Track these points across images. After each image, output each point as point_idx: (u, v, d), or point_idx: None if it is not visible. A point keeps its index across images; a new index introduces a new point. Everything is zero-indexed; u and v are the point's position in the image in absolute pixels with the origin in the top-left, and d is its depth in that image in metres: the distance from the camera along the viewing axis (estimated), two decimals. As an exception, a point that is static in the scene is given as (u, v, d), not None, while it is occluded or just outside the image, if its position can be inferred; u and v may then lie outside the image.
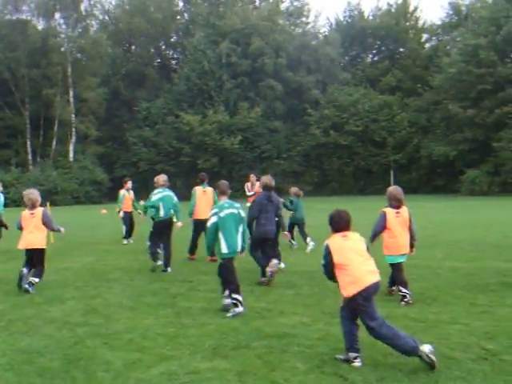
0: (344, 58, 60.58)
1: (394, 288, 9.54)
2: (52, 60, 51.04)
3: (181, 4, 64.22)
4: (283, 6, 61.63)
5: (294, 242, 16.04)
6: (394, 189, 9.78)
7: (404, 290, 8.99)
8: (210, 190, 14.22)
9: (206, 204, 13.55)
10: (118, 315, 8.27)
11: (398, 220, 9.37)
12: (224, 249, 8.48)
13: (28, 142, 52.61)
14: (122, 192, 18.35)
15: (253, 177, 18.03)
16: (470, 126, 48.54)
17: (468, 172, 47.43)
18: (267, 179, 11.37)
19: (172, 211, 12.60)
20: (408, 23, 61.66)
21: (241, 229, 8.71)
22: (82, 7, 54.43)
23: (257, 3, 62.96)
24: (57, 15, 53.66)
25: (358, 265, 6.27)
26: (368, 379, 5.62)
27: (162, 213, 12.43)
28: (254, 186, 17.55)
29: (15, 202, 45.42)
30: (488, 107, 47.62)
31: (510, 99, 46.72)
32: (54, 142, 52.64)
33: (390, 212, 9.40)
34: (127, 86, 59.55)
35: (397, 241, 9.35)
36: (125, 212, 17.76)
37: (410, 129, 53.23)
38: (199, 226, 13.63)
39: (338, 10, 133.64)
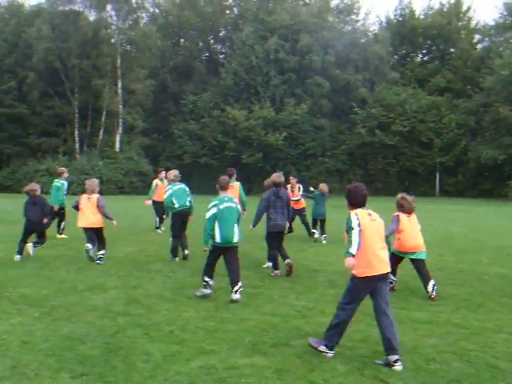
0: (393, 56, 59.81)
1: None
2: (102, 51, 51.65)
3: (231, -2, 64.41)
4: (333, 3, 61.11)
5: (317, 235, 16.76)
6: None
7: (392, 277, 9.76)
8: (236, 184, 14.78)
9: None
10: (158, 306, 8.32)
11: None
12: (218, 238, 9.16)
13: (76, 132, 53.39)
14: (155, 182, 18.69)
15: (293, 179, 17.54)
16: (521, 130, 47.46)
17: (517, 177, 46.43)
18: (275, 176, 11.80)
19: (188, 202, 13.21)
20: (460, 23, 60.52)
21: (237, 222, 9.37)
22: (133, 0, 54.95)
23: (307, 0, 62.63)
24: (108, 7, 54.19)
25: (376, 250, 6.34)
26: (409, 384, 5.54)
27: (176, 205, 12.97)
28: (293, 189, 17.25)
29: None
30: (540, 111, 46.47)
31: None
32: (101, 132, 53.32)
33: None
34: (175, 79, 59.95)
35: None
36: (157, 202, 17.86)
37: (458, 131, 52.25)
38: None
39: (389, 8, 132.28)
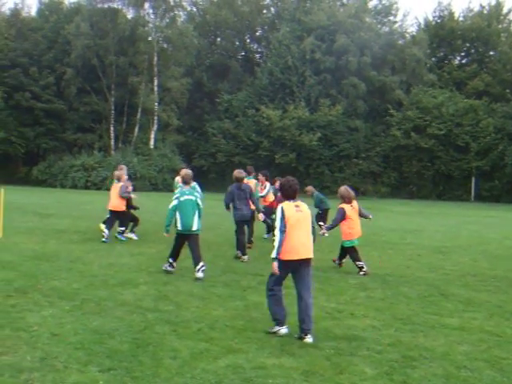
0: (430, 59, 59.10)
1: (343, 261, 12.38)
2: (139, 49, 52.06)
3: (268, -2, 64.36)
4: (371, 4, 60.63)
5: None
6: (344, 189, 12.30)
7: (360, 263, 11.67)
8: (253, 181, 15.98)
9: None
10: (187, 304, 8.33)
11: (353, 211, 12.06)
12: (179, 226, 10.65)
13: (111, 128, 53.93)
14: (177, 179, 18.73)
15: (261, 177, 17.46)
16: (560, 135, 46.57)
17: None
18: (237, 172, 13.45)
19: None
20: (500, 26, 59.63)
21: (197, 213, 10.76)
22: (171, -2, 55.30)
23: (344, 0, 62.28)
24: (146, 5, 54.56)
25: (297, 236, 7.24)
26: (439, 391, 5.45)
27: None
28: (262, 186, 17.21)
29: (96, 185, 46.86)
30: None
31: None
32: (137, 129, 53.75)
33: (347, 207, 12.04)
34: (210, 78, 60.16)
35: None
36: None
37: (495, 135, 51.43)
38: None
39: (427, 10, 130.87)
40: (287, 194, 7.42)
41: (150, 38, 53.32)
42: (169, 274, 10.53)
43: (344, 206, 12.09)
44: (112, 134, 53.92)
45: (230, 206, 13.40)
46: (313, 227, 7.62)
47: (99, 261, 11.65)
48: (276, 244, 7.05)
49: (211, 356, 6.10)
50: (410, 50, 54.67)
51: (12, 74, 52.27)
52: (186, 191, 10.86)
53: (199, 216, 10.83)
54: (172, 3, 55.24)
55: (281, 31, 55.99)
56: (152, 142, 53.28)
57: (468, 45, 60.17)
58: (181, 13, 59.31)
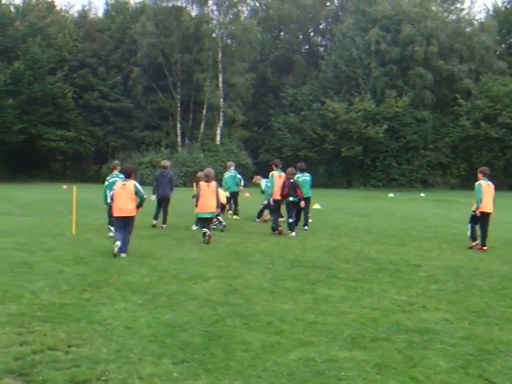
0: (500, 46, 57.47)
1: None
2: (204, 46, 52.58)
3: (332, -11, 63.87)
4: (437, -8, 59.56)
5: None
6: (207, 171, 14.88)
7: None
8: (283, 174, 16.40)
9: (279, 187, 16.11)
10: (257, 297, 8.36)
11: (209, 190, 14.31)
12: (109, 199, 13.14)
13: (178, 125, 54.67)
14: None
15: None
16: None
17: None
18: (162, 162, 18.17)
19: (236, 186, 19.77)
20: None
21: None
22: (234, -6, 55.55)
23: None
24: (210, 2, 55.08)
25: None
26: (517, 385, 5.30)
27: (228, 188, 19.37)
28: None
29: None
30: None
31: None
32: (202, 126, 54.32)
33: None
34: (275, 72, 60.20)
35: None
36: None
37: None
38: (275, 204, 16.26)
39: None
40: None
41: (214, 35, 53.74)
42: (238, 268, 10.58)
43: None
44: (178, 131, 54.66)
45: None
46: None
47: (169, 255, 11.82)
48: None
49: (282, 349, 6.11)
50: (478, 38, 53.29)
51: (81, 75, 53.66)
52: (114, 175, 14.96)
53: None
54: (235, -1, 55.52)
55: (345, 23, 55.57)
56: (218, 138, 53.72)
57: (540, 29, 58.15)
58: (244, 8, 59.70)
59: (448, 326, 7.09)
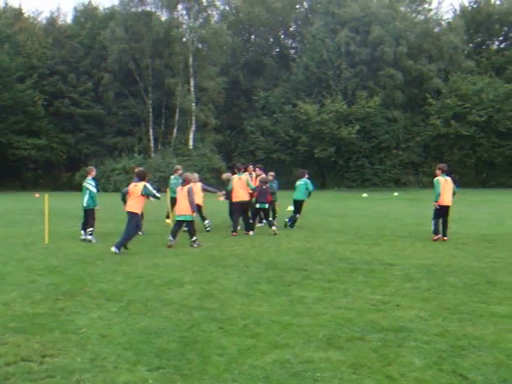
0: (468, 45, 58.24)
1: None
2: (174, 50, 52.51)
3: (301, -8, 64.12)
4: (405, -7, 60.15)
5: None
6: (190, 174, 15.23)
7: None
8: (244, 176, 17.15)
9: (242, 187, 16.84)
10: (233, 301, 8.36)
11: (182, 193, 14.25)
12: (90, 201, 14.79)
13: (150, 130, 54.52)
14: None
15: (250, 168, 19.46)
16: None
17: None
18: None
19: None
20: (540, 7, 58.39)
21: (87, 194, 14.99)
22: (204, -2, 55.58)
23: (378, -10, 61.77)
24: (179, 6, 55.08)
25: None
26: (490, 379, 5.36)
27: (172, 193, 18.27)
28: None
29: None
30: None
31: None
32: (175, 130, 54.22)
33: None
34: (246, 76, 60.29)
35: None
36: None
37: (538, 119, 50.47)
38: (240, 207, 16.68)
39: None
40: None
41: (184, 39, 53.73)
42: (213, 273, 10.58)
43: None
44: (151, 137, 54.52)
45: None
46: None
47: (144, 262, 11.78)
48: None
49: (258, 352, 6.12)
50: (446, 38, 53.95)
51: (51, 82, 53.27)
52: (88, 180, 15.19)
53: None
54: (205, 3, 55.65)
55: (314, 25, 55.87)
56: (191, 143, 53.67)
57: (506, 29, 59.15)
58: (214, 12, 59.74)
59: (422, 324, 7.15)
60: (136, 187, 13.50)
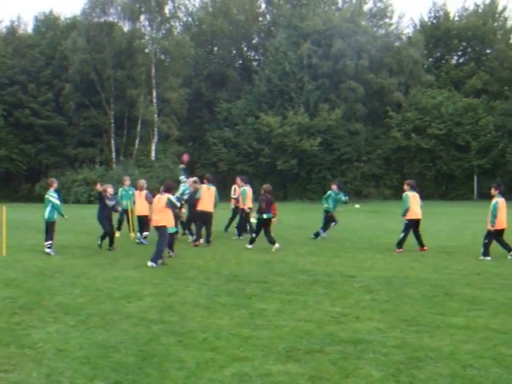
0: (428, 59, 59.17)
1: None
2: (136, 61, 52.26)
3: (263, 6, 64.32)
4: (366, 8, 60.78)
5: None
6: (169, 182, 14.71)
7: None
8: (213, 188, 17.50)
9: (209, 198, 17.14)
10: (193, 314, 8.32)
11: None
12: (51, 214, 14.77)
13: (112, 141, 54.07)
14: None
15: (239, 180, 19.81)
16: (561, 130, 46.71)
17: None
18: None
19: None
20: (496, 24, 59.61)
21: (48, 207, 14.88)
22: (166, 9, 55.37)
23: (339, 5, 62.38)
24: (142, 17, 54.84)
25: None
26: (446, 391, 5.44)
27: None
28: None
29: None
30: None
31: None
32: (137, 142, 53.87)
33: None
34: (209, 87, 60.24)
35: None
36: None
37: (495, 133, 51.42)
38: (202, 216, 17.01)
39: (423, 11, 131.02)
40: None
41: (146, 50, 53.52)
42: (174, 285, 10.52)
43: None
44: (113, 148, 54.06)
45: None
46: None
47: (103, 275, 11.66)
48: None
49: (217, 365, 6.09)
50: (406, 52, 54.75)
51: (11, 92, 52.50)
52: (51, 192, 15.02)
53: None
54: (168, 14, 55.52)
55: (277, 38, 56.13)
56: (153, 154, 53.37)
57: (464, 44, 60.19)
58: (177, 24, 59.63)
59: (380, 336, 7.22)
60: (160, 200, 13.37)
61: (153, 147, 53.52)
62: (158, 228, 13.20)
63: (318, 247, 16.35)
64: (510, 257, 14.18)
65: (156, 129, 53.21)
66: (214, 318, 8.12)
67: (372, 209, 37.24)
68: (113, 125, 53.89)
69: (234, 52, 64.41)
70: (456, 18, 61.45)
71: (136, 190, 18.51)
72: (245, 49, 65.38)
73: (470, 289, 10.31)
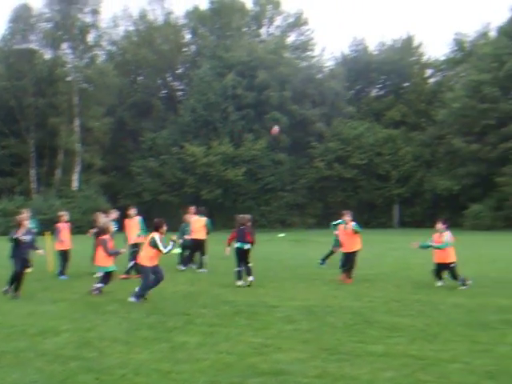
0: (349, 91, 60.77)
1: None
2: (58, 89, 51.33)
3: (188, 36, 64.64)
4: (289, 40, 62.17)
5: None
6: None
7: None
8: (136, 218, 17.49)
9: (133, 228, 17.15)
10: (111, 349, 8.11)
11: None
12: None
13: (32, 171, 52.69)
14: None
15: (192, 209, 19.79)
16: (474, 161, 48.65)
17: (472, 206, 47.35)
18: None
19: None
20: (412, 58, 61.95)
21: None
22: (89, 37, 54.89)
23: (263, 37, 63.52)
24: (64, 45, 54.10)
25: None
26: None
27: None
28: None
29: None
30: (491, 142, 47.89)
31: (513, 135, 47.10)
32: (59, 171, 52.70)
33: None
34: (133, 117, 59.74)
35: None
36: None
37: (414, 163, 53.27)
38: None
39: (344, 45, 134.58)
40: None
41: (69, 78, 52.64)
42: (93, 320, 10.25)
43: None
44: (33, 177, 52.64)
45: None
46: None
47: (18, 310, 11.24)
48: None
49: (135, 402, 5.95)
50: (328, 84, 56.15)
51: None
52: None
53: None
54: (91, 43, 54.93)
55: (202, 68, 56.37)
56: (75, 184, 52.28)
57: (384, 77, 62.20)
58: (100, 52, 59.03)
59: (301, 366, 7.22)
60: (147, 237, 13.16)
61: (75, 177, 52.46)
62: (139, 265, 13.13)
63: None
64: (440, 284, 14.46)
65: (78, 158, 52.25)
66: (133, 353, 7.94)
67: (296, 238, 37.56)
68: (33, 154, 52.57)
69: (159, 81, 64.24)
70: (375, 52, 63.47)
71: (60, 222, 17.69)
72: (169, 78, 65.32)
73: (390, 316, 10.50)
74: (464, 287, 13.80)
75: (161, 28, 61.48)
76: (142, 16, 61.94)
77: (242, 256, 14.86)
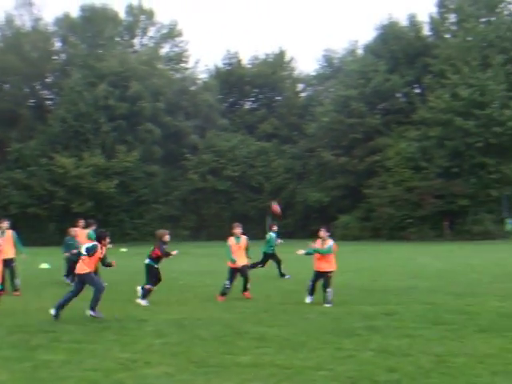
0: (222, 104, 61.42)
1: None
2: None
3: (58, 44, 62.87)
4: (163, 51, 61.97)
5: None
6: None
7: None
8: (10, 232, 16.33)
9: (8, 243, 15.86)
10: (-32, 371, 7.69)
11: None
12: None
13: None
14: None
15: (81, 222, 19.69)
16: (343, 173, 50.66)
17: (341, 217, 49.10)
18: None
19: None
20: (284, 73, 63.60)
21: None
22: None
23: (136, 47, 62.91)
24: None
25: None
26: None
27: None
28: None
29: None
30: (359, 155, 50.10)
31: (379, 148, 49.41)
32: None
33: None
34: (-2, 126, 57.18)
35: None
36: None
37: (286, 175, 54.60)
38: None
39: (218, 57, 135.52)
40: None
41: None
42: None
43: None
44: None
45: None
46: None
47: None
48: None
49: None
50: (202, 96, 56.50)
51: None
52: None
53: None
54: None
55: (72, 77, 54.93)
56: None
57: (257, 90, 63.42)
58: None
59: (169, 380, 7.19)
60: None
61: None
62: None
63: (111, 291, 15.97)
64: (309, 300, 14.26)
65: None
66: (-8, 374, 7.57)
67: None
68: None
69: (27, 90, 61.86)
70: (248, 66, 64.53)
71: None
72: (38, 87, 63.10)
73: (259, 326, 10.66)
74: (328, 305, 13.36)
75: (29, 34, 59.30)
76: (9, 21, 59.49)
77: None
